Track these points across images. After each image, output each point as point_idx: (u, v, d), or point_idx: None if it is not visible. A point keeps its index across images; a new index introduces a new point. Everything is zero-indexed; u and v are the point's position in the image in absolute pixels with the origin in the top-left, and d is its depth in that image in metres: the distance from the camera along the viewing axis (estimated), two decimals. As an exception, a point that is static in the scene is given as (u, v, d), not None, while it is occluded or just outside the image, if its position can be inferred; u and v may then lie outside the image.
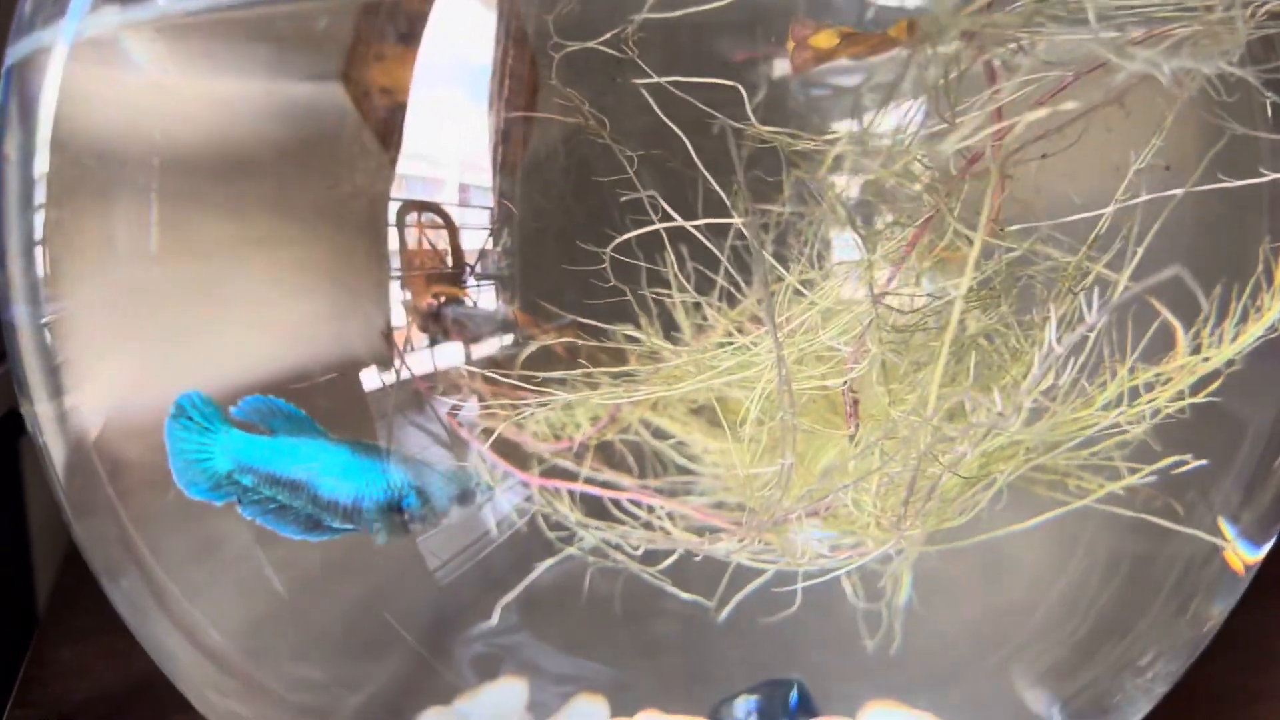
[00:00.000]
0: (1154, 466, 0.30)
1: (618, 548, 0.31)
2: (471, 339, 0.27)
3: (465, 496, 0.26)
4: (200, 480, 0.26)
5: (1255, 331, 0.28)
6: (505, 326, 0.28)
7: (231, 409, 0.26)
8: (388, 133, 0.24)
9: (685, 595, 0.32)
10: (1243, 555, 0.33)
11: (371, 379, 0.26)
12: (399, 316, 0.26)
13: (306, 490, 0.26)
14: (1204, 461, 0.29)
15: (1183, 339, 0.29)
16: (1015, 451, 0.29)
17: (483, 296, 0.26)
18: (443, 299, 0.28)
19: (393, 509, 0.26)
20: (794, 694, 0.33)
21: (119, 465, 0.28)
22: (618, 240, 0.25)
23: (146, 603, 0.30)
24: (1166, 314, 0.30)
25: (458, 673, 0.31)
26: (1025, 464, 0.30)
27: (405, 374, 0.26)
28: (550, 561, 0.31)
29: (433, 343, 0.28)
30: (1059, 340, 0.22)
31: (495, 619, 0.31)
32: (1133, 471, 0.30)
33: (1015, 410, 0.24)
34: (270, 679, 0.30)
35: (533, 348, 0.29)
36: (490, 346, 0.28)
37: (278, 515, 0.26)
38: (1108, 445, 0.30)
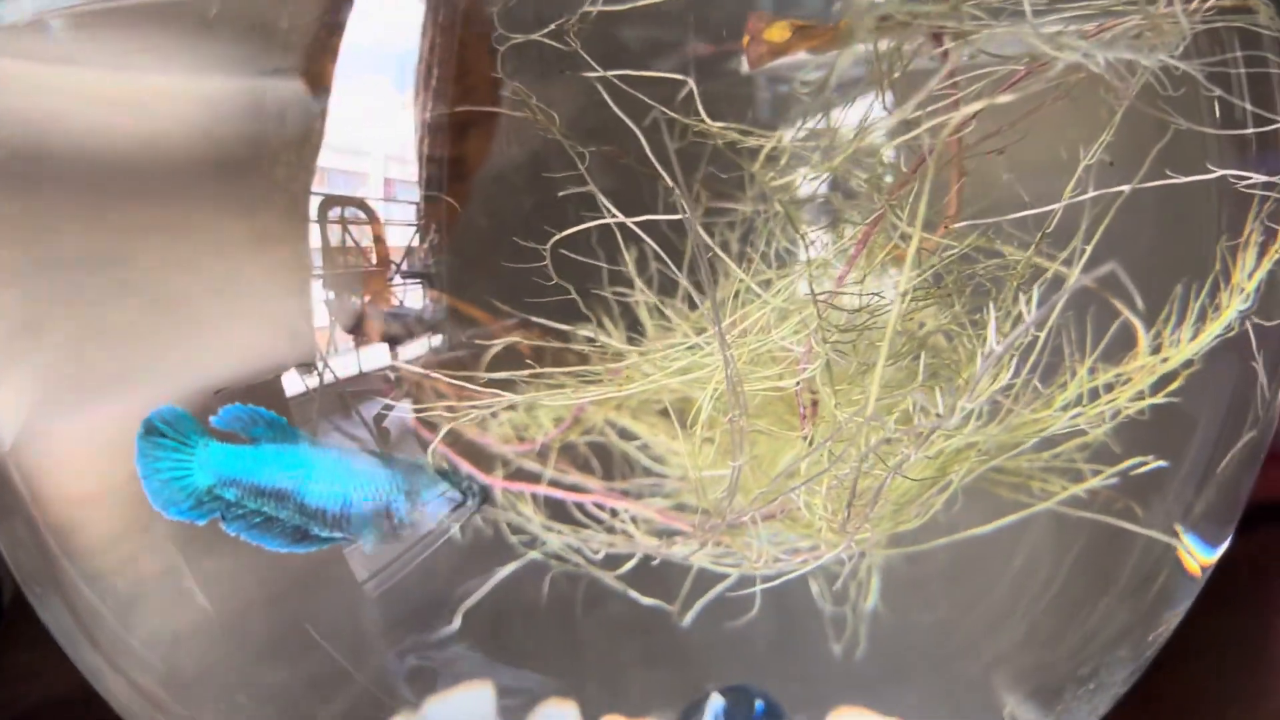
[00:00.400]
0: (1116, 468, 0.30)
1: (579, 551, 0.31)
2: (409, 337, 0.27)
3: (456, 498, 0.25)
4: (179, 499, 0.25)
5: (1214, 330, 0.28)
6: (464, 325, 0.28)
7: (211, 419, 0.25)
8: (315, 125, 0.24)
9: (645, 600, 0.31)
10: (1198, 557, 0.32)
11: (297, 383, 0.26)
12: (322, 316, 0.25)
13: (293, 499, 0.25)
14: (1163, 463, 0.29)
15: (1144, 339, 0.28)
16: (969, 454, 0.29)
17: (409, 295, 0.25)
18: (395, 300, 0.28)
19: (380, 514, 0.25)
20: (759, 703, 0.33)
21: (32, 474, 0.28)
22: (559, 236, 0.25)
23: (67, 621, 0.29)
24: (1128, 313, 0.30)
25: (391, 689, 0.30)
26: (981, 465, 0.29)
27: (333, 375, 0.25)
28: (514, 565, 0.31)
29: (391, 343, 0.28)
30: (999, 340, 0.22)
31: (457, 624, 0.30)
32: (1095, 473, 0.30)
33: (953, 412, 0.24)
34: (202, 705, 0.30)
35: (499, 345, 0.29)
36: (442, 346, 0.28)
37: (263, 529, 0.25)
38: (1068, 447, 0.30)
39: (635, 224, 0.24)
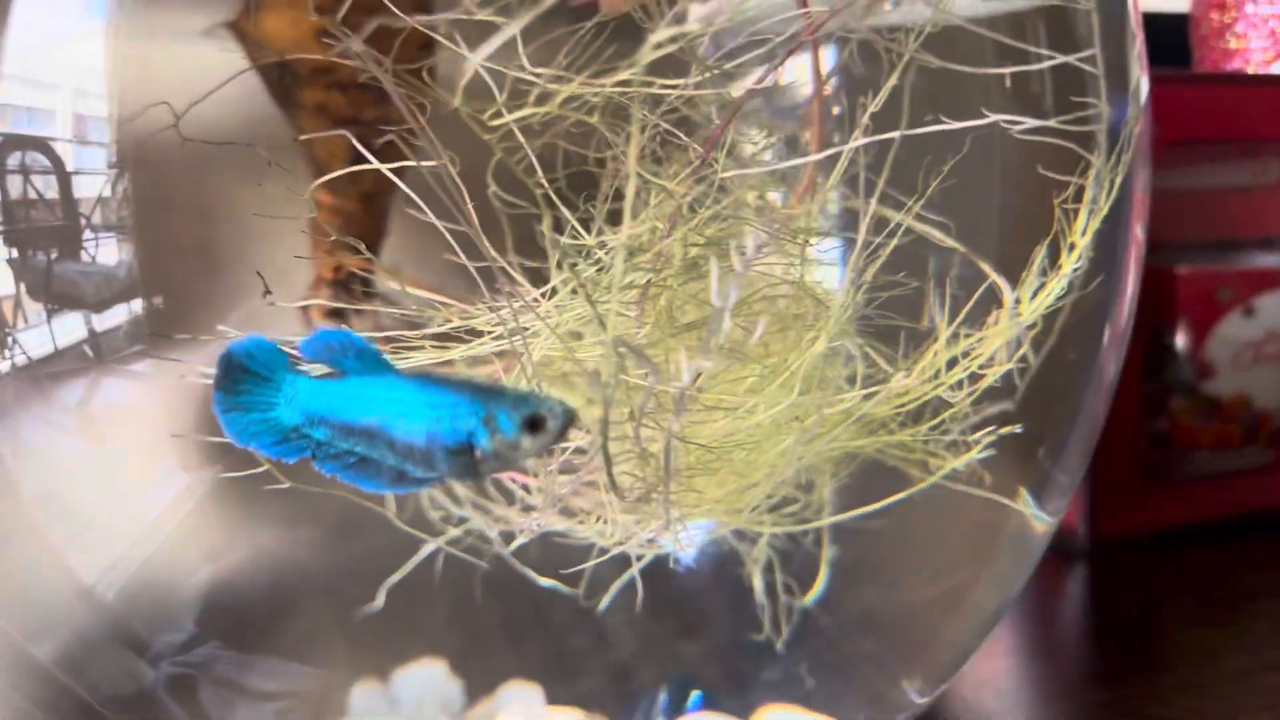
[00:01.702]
0: (982, 437, 0.29)
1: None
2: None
3: (535, 424, 0.22)
4: (264, 435, 0.23)
5: (1054, 289, 0.27)
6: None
7: (299, 345, 0.22)
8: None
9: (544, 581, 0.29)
10: (1041, 524, 0.31)
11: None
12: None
13: (382, 437, 0.23)
14: (1018, 428, 0.28)
15: (1008, 302, 0.27)
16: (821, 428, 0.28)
17: (102, 251, 0.22)
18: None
19: (461, 448, 0.22)
20: (697, 693, 0.32)
21: None
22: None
23: None
24: (994, 276, 0.29)
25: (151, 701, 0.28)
26: (825, 439, 0.28)
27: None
28: (431, 545, 0.28)
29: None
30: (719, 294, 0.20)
31: (380, 602, 0.28)
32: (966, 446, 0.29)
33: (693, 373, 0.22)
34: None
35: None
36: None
37: (359, 469, 0.23)
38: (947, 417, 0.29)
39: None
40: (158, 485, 0.24)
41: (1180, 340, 0.50)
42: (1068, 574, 0.47)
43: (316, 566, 0.28)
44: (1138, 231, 0.30)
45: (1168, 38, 0.58)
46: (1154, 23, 0.59)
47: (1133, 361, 0.48)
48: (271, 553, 0.27)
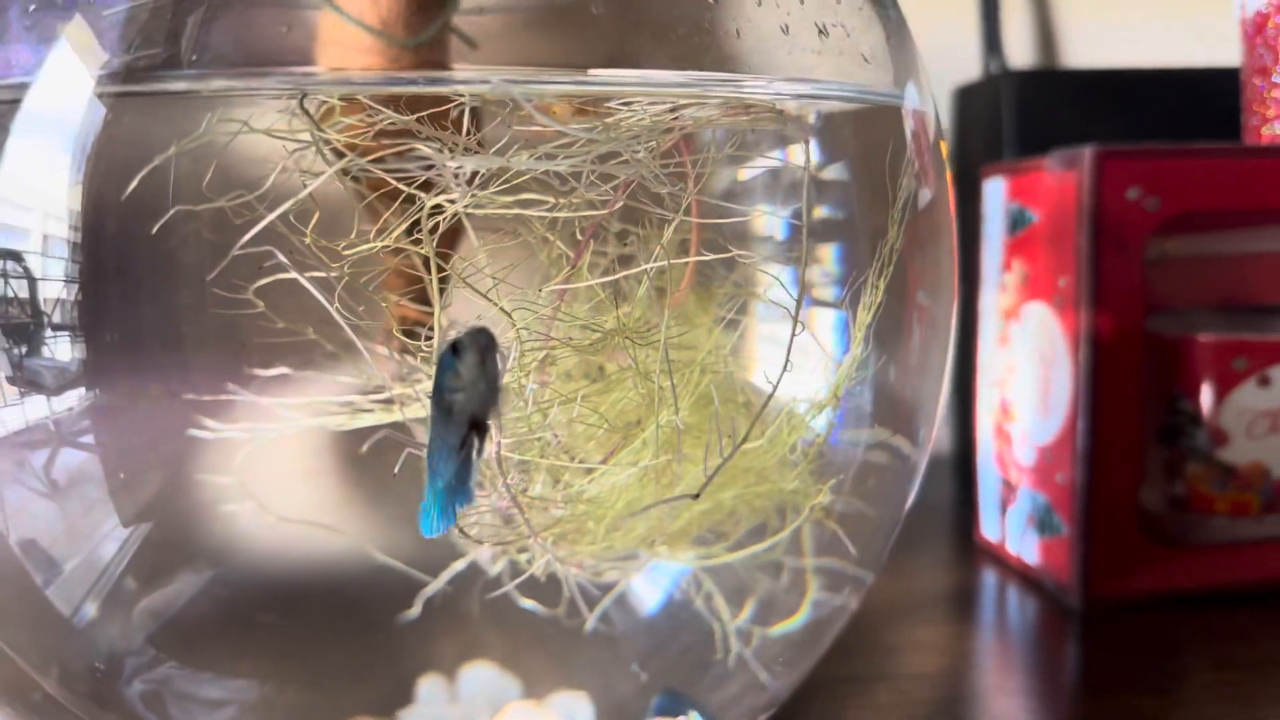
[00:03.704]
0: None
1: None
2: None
3: (456, 349, 0.25)
4: None
5: (865, 320, 0.30)
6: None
7: None
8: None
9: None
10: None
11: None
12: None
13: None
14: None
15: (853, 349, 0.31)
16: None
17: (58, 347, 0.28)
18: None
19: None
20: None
21: None
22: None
23: None
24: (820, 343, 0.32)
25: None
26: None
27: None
28: (460, 564, 0.33)
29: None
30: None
31: (417, 612, 0.33)
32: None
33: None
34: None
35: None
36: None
37: None
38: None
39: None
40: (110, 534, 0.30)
41: (1195, 406, 0.50)
42: (1063, 633, 0.48)
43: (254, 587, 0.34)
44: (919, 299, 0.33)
45: (1224, 99, 0.58)
46: (1212, 79, 0.59)
47: (1131, 422, 0.49)
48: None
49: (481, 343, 0.25)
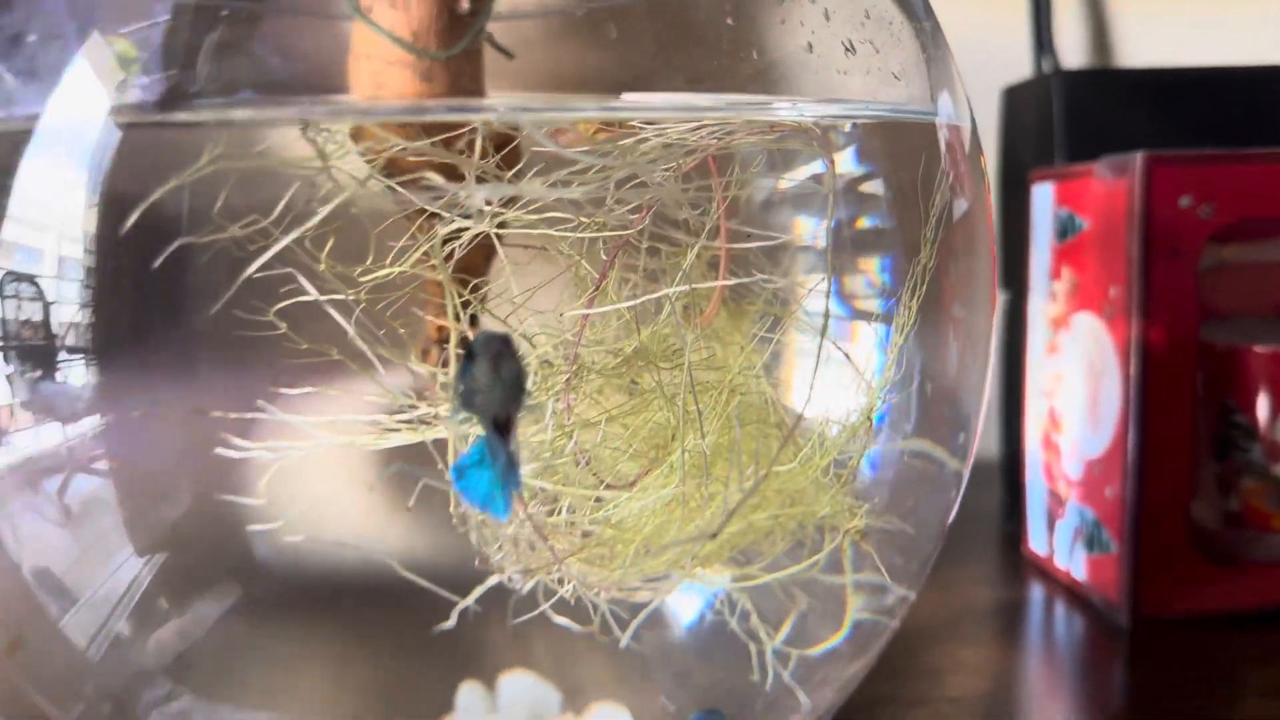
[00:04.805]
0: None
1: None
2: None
3: (470, 354, 0.27)
4: None
5: (898, 341, 0.29)
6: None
7: None
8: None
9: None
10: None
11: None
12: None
13: None
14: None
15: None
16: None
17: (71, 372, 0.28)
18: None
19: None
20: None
21: None
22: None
23: None
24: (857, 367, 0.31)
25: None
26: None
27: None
28: (481, 588, 0.32)
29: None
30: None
31: (452, 622, 0.32)
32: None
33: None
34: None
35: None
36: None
37: None
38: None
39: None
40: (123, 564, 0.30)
41: (1250, 419, 0.48)
42: (1111, 653, 0.47)
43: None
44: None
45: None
46: (1273, 78, 0.57)
47: (1183, 435, 0.47)
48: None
49: (494, 348, 0.25)
